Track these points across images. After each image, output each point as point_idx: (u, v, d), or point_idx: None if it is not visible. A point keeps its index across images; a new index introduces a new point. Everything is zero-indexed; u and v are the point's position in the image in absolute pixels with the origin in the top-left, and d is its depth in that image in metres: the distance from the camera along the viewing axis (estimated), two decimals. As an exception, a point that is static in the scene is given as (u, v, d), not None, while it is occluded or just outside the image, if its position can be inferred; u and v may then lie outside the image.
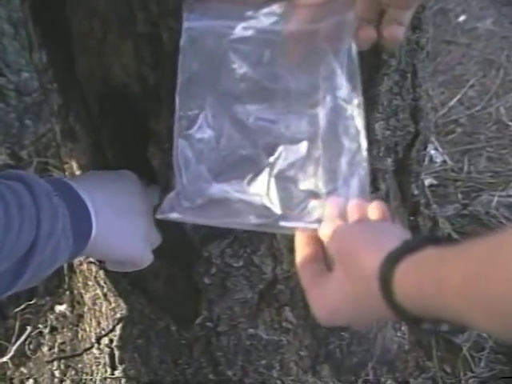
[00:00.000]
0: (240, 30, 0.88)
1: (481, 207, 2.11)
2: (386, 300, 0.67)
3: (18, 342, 1.73)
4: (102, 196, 0.94)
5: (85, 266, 1.37)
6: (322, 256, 0.85)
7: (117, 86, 1.01)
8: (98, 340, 1.46)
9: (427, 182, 2.25)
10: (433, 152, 2.40)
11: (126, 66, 0.98)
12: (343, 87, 0.88)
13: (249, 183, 0.90)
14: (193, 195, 0.91)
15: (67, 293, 1.75)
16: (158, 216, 0.93)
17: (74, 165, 1.18)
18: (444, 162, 2.38)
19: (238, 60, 0.88)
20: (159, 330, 1.30)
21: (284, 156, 0.89)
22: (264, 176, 0.89)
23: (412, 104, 1.18)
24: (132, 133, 1.04)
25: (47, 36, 1.06)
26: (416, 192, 1.36)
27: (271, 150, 0.90)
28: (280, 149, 0.89)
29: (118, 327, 1.37)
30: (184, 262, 1.15)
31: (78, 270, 1.46)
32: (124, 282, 1.29)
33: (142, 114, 1.01)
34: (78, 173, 1.18)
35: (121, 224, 0.96)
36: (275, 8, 0.87)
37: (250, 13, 0.87)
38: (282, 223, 0.89)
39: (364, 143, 0.90)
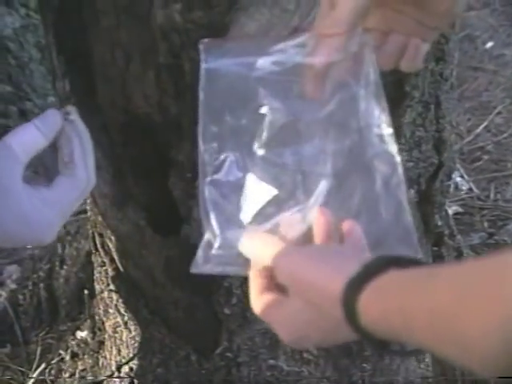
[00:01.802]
0: (262, 67, 0.86)
1: (507, 236, 2.10)
2: (351, 325, 0.65)
3: (40, 368, 1.73)
4: None
5: (106, 294, 1.38)
6: (274, 283, 0.81)
7: (138, 115, 1.01)
8: (119, 368, 1.46)
9: (453, 209, 2.23)
10: (458, 179, 2.39)
11: (147, 96, 0.99)
12: (370, 112, 0.87)
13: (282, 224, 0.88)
14: (228, 243, 0.87)
15: (88, 320, 1.76)
16: (193, 271, 0.89)
17: (96, 193, 1.19)
18: (470, 189, 2.37)
19: (264, 99, 0.87)
20: (179, 360, 1.30)
21: (316, 195, 0.87)
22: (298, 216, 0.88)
23: (435, 135, 1.18)
24: (153, 162, 1.05)
25: (70, 65, 1.07)
26: (440, 223, 1.35)
27: (302, 189, 0.88)
28: (310, 188, 0.88)
29: (139, 356, 1.37)
30: (204, 292, 1.15)
31: (98, 298, 1.46)
32: (144, 310, 1.29)
33: (164, 143, 1.01)
34: (99, 201, 1.18)
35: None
36: (293, 41, 0.86)
37: (268, 48, 0.86)
38: None
39: (399, 164, 0.87)
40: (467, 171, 2.43)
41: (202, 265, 0.88)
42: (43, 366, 1.74)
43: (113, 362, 1.48)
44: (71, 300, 1.86)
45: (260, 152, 0.88)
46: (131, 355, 1.39)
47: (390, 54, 0.85)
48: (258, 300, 0.81)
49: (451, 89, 1.17)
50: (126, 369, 1.43)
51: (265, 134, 0.88)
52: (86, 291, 1.74)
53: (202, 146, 0.88)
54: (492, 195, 2.35)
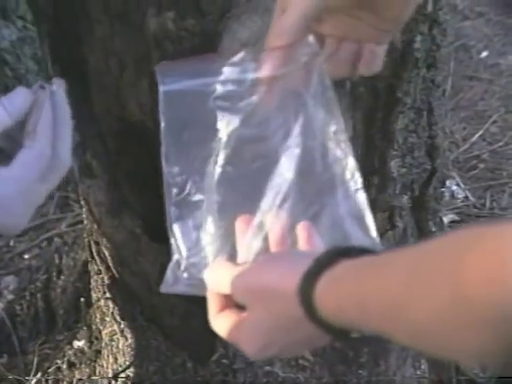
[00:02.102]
0: (218, 86, 0.87)
1: (503, 244, 2.09)
2: (311, 320, 0.65)
3: (36, 378, 1.73)
4: None
5: (102, 302, 1.38)
6: (232, 302, 0.80)
7: (133, 123, 1.02)
8: (116, 376, 1.46)
9: (449, 217, 2.24)
10: (454, 188, 2.39)
11: (141, 104, 0.99)
12: (323, 120, 0.87)
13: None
14: (194, 264, 0.88)
15: (85, 328, 1.76)
16: (163, 290, 0.89)
17: (92, 201, 1.19)
18: (466, 197, 2.37)
19: (221, 117, 0.87)
20: (175, 367, 1.30)
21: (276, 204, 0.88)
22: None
23: (428, 142, 1.18)
24: (148, 169, 1.05)
25: (65, 74, 1.08)
26: (434, 229, 1.36)
27: (262, 202, 0.87)
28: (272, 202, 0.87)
29: (135, 363, 1.37)
30: (200, 299, 1.15)
31: (95, 306, 1.46)
32: (141, 318, 1.30)
33: (158, 150, 1.01)
34: (94, 209, 1.19)
35: None
36: (246, 57, 0.86)
37: (223, 66, 0.87)
38: None
39: (356, 168, 0.88)
40: (463, 180, 2.43)
41: (171, 285, 0.88)
42: (40, 375, 1.74)
43: (109, 371, 1.48)
44: (68, 310, 1.85)
45: (219, 171, 0.88)
46: (128, 363, 1.39)
47: (346, 61, 0.85)
48: (217, 319, 0.80)
49: (443, 95, 1.18)
50: (122, 377, 1.43)
51: (224, 153, 0.88)
52: (82, 300, 1.74)
53: (165, 169, 0.89)
54: (488, 203, 2.35)
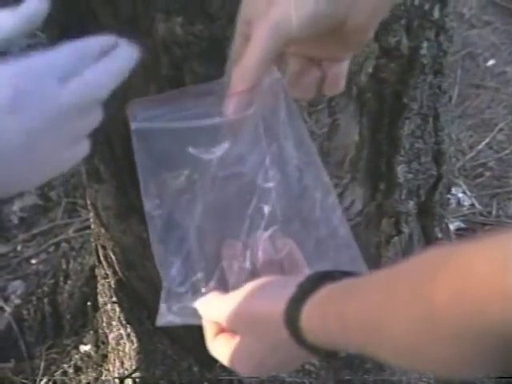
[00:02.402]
0: (190, 132, 0.87)
1: (509, 251, 2.09)
2: (299, 344, 0.67)
3: (43, 382, 1.73)
4: None
5: (109, 306, 1.38)
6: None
7: (141, 127, 1.02)
8: (122, 381, 1.46)
9: (455, 225, 2.24)
10: (461, 195, 2.39)
11: (150, 109, 1.00)
12: (290, 144, 0.88)
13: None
14: (186, 294, 0.89)
15: (92, 333, 1.76)
16: (159, 324, 0.90)
17: (99, 205, 1.20)
18: (472, 205, 2.37)
19: (196, 154, 0.87)
20: (182, 371, 1.30)
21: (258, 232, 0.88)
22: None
23: (434, 148, 1.18)
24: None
25: (74, 79, 1.08)
26: (440, 235, 1.36)
27: (248, 229, 0.89)
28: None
29: (142, 368, 1.38)
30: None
31: (102, 310, 1.47)
32: (147, 322, 1.30)
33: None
34: (102, 213, 1.19)
35: None
36: (213, 98, 0.83)
37: (193, 106, 0.86)
38: None
39: (331, 187, 0.90)
40: (469, 187, 2.43)
41: (165, 317, 0.89)
42: (47, 379, 1.74)
43: (116, 375, 1.49)
44: (75, 314, 1.86)
45: (201, 202, 0.89)
46: (134, 367, 1.39)
47: (310, 85, 0.83)
48: (213, 344, 0.81)
49: (449, 102, 1.18)
50: (129, 381, 1.43)
51: (204, 187, 0.88)
52: (89, 304, 1.74)
53: (146, 203, 0.89)
54: (494, 211, 2.35)
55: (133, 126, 0.88)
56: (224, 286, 0.86)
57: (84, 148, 0.72)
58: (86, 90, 0.71)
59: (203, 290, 0.87)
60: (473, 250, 0.47)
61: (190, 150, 0.88)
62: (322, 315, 0.64)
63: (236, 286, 0.83)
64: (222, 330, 0.81)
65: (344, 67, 0.83)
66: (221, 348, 0.80)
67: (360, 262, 0.89)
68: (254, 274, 0.86)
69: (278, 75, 0.83)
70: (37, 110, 0.65)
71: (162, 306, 0.89)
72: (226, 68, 0.80)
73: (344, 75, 0.83)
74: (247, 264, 0.87)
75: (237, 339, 0.78)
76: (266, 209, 0.88)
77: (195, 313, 0.85)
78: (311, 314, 0.65)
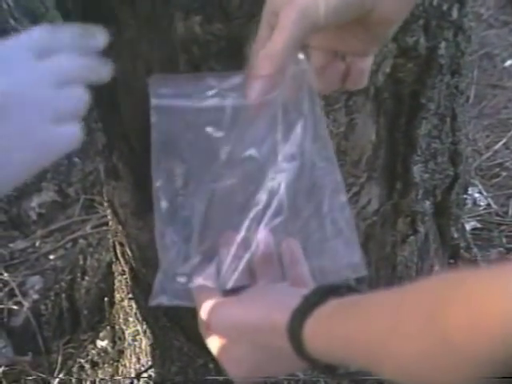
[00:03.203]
0: (210, 111, 0.87)
1: (525, 252, 2.09)
2: (300, 356, 0.66)
3: (60, 376, 1.74)
4: None
5: (126, 303, 1.39)
6: None
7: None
8: (138, 376, 1.46)
9: (471, 225, 2.22)
10: (477, 195, 2.38)
11: (168, 106, 1.00)
12: (308, 137, 0.87)
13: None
14: (182, 276, 0.88)
15: (108, 328, 1.76)
16: (151, 303, 0.89)
17: (117, 202, 1.20)
18: (488, 205, 2.36)
19: (212, 134, 0.87)
20: (197, 368, 1.30)
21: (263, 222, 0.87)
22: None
23: (451, 148, 1.18)
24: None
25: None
26: (456, 235, 1.35)
27: (250, 219, 0.88)
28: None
29: (157, 364, 1.38)
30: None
31: (118, 306, 1.47)
32: (164, 319, 1.30)
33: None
34: (119, 210, 1.19)
35: None
36: (237, 79, 0.85)
37: (215, 88, 0.87)
38: None
39: (342, 185, 0.89)
40: (486, 187, 2.42)
41: (158, 296, 0.88)
42: (64, 374, 1.75)
43: (132, 370, 1.49)
44: (92, 310, 1.86)
45: (209, 187, 0.88)
46: (150, 363, 1.39)
47: (334, 79, 0.83)
48: (207, 335, 0.81)
49: (467, 102, 1.18)
50: (145, 377, 1.44)
51: (215, 170, 0.88)
52: (106, 300, 1.74)
53: (155, 183, 0.89)
54: (510, 211, 2.33)
55: (153, 101, 0.88)
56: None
57: (73, 130, 0.71)
58: (60, 67, 0.71)
59: (200, 274, 0.86)
60: (486, 280, 0.46)
61: (208, 129, 0.87)
62: (326, 332, 0.63)
63: (229, 276, 0.83)
64: None
65: (368, 63, 0.83)
66: (215, 343, 0.79)
67: (361, 267, 0.88)
68: (250, 266, 0.85)
69: (305, 66, 0.83)
70: (12, 76, 0.66)
71: (156, 286, 0.88)
72: (251, 54, 0.79)
73: (367, 71, 0.84)
74: (244, 255, 0.85)
75: (233, 345, 0.77)
76: (273, 198, 0.87)
77: (189, 295, 0.85)
78: (315, 329, 0.64)
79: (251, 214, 0.87)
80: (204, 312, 0.80)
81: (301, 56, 0.82)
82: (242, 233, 0.86)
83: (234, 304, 0.78)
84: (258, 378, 0.80)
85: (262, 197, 0.87)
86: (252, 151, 0.88)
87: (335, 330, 0.62)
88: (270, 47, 0.74)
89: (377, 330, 0.56)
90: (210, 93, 0.87)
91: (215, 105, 0.87)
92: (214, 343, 0.79)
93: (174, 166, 0.89)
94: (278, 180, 0.88)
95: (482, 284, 0.46)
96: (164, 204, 0.89)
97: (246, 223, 0.87)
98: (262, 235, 0.86)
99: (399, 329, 0.53)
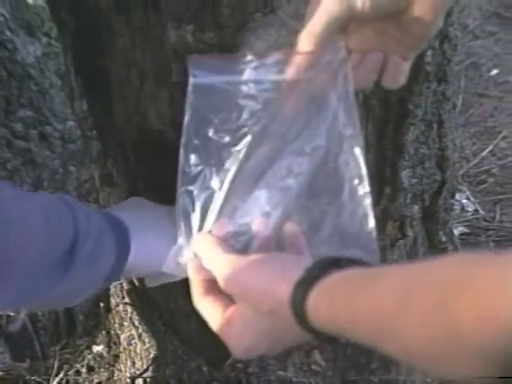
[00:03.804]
0: (245, 84, 0.88)
1: (512, 256, 2.08)
2: (303, 327, 0.66)
3: (56, 381, 1.74)
4: (132, 214, 0.96)
5: (121, 307, 1.38)
6: (215, 285, 0.80)
7: (152, 132, 1.02)
8: (133, 380, 1.45)
9: (459, 230, 2.23)
10: (464, 201, 2.39)
11: (161, 114, 1.00)
12: (340, 123, 0.87)
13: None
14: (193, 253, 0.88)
15: (104, 333, 1.76)
16: (164, 270, 0.90)
17: (112, 209, 1.20)
18: (476, 211, 2.37)
19: (246, 115, 0.88)
20: (191, 371, 1.30)
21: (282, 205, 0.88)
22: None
23: (438, 153, 1.18)
24: (166, 179, 1.06)
25: (87, 86, 1.09)
26: (444, 239, 1.35)
27: (270, 202, 0.88)
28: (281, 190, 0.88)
29: (152, 367, 1.37)
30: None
31: (114, 311, 1.46)
32: (158, 323, 1.29)
33: (177, 159, 1.02)
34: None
35: (156, 237, 0.95)
36: (275, 57, 0.86)
37: (253, 64, 0.87)
38: None
39: (365, 175, 0.88)
40: (473, 193, 2.43)
41: (172, 267, 0.89)
42: (60, 378, 1.74)
43: (127, 374, 1.48)
44: (88, 315, 1.86)
45: (235, 168, 0.88)
46: (145, 367, 1.39)
47: (370, 71, 0.85)
48: (202, 303, 0.81)
49: (453, 109, 1.18)
50: (139, 381, 1.43)
51: (245, 150, 0.88)
52: (101, 305, 1.74)
53: (182, 157, 0.89)
54: (497, 216, 2.34)
55: (191, 80, 0.88)
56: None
57: None
58: None
59: None
60: (499, 269, 0.46)
61: (245, 101, 0.88)
62: (330, 306, 0.62)
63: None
64: (211, 290, 0.80)
65: (406, 65, 0.85)
66: (211, 311, 0.79)
67: (375, 254, 0.87)
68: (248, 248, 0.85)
69: (344, 55, 0.84)
70: None
71: (171, 256, 0.89)
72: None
73: (405, 71, 0.85)
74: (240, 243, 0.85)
75: (232, 308, 0.77)
76: (296, 181, 0.87)
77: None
78: (318, 303, 0.64)
79: (271, 198, 0.87)
80: (213, 267, 0.79)
81: (341, 44, 0.84)
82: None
83: (243, 261, 0.77)
84: (257, 354, 0.79)
85: (287, 180, 0.87)
86: (284, 129, 0.88)
87: (339, 306, 0.61)
88: (310, 27, 0.78)
89: (382, 310, 0.55)
90: (249, 67, 0.88)
91: (254, 78, 0.88)
92: (211, 311, 0.79)
93: (203, 143, 0.89)
94: (306, 162, 0.87)
95: (496, 274, 0.46)
96: (186, 178, 0.89)
97: (265, 206, 0.87)
98: (259, 222, 0.86)
99: (406, 310, 0.52)
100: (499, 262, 0.46)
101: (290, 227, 0.85)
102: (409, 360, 0.55)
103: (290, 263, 0.74)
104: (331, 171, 0.88)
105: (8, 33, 2.64)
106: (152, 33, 0.93)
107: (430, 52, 1.03)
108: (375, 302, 0.57)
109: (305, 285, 0.66)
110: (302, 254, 0.83)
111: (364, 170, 0.88)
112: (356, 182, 0.88)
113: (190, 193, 0.89)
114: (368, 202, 0.88)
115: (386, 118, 1.05)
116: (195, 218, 0.88)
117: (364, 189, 0.88)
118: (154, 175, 1.08)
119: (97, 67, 1.03)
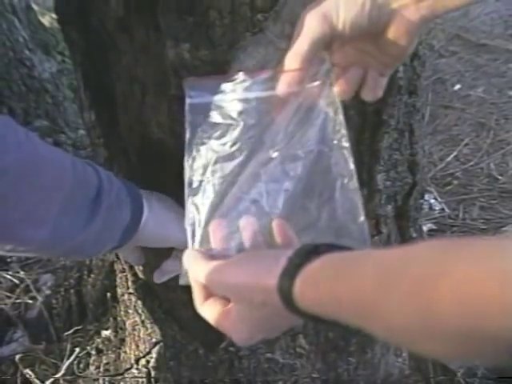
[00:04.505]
0: (239, 100, 0.86)
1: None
2: (292, 313, 0.63)
3: (69, 362, 1.72)
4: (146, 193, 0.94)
5: (126, 297, 1.37)
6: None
7: (154, 140, 1.01)
8: (137, 361, 1.44)
9: (427, 227, 2.23)
10: (432, 201, 2.38)
11: (161, 124, 0.98)
12: (329, 127, 0.86)
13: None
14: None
15: (111, 319, 1.75)
16: (181, 283, 0.87)
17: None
18: (442, 209, 2.37)
19: (240, 127, 0.86)
20: (189, 353, 1.29)
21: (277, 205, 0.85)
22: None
23: (410, 159, 1.17)
24: (167, 181, 1.04)
25: (95, 98, 1.07)
26: (414, 235, 1.34)
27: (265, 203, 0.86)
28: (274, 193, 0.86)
29: (154, 350, 1.36)
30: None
31: (120, 300, 1.45)
32: (159, 311, 1.28)
33: (175, 163, 1.00)
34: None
35: (168, 215, 0.94)
36: (265, 75, 0.85)
37: (244, 82, 0.86)
38: None
39: (353, 172, 0.86)
40: (440, 194, 2.43)
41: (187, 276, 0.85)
42: (72, 359, 1.73)
43: (132, 356, 1.47)
44: (97, 303, 1.85)
45: (232, 176, 0.86)
46: (148, 350, 1.37)
47: (350, 84, 0.84)
48: (204, 308, 0.78)
49: (422, 119, 1.17)
50: (143, 362, 1.42)
51: (239, 161, 0.86)
52: (109, 294, 1.73)
53: (186, 170, 0.87)
54: (461, 215, 2.34)
55: (187, 101, 0.87)
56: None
57: None
58: None
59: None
60: (472, 258, 0.44)
61: (240, 117, 0.86)
62: (315, 289, 0.60)
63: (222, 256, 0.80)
64: (210, 294, 0.78)
65: (383, 80, 0.85)
66: (212, 312, 0.76)
67: (367, 241, 0.85)
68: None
69: (329, 66, 0.84)
70: None
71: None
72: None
73: (383, 86, 0.85)
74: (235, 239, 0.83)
75: (229, 306, 0.74)
76: (290, 182, 0.85)
77: None
78: (304, 288, 0.61)
79: (266, 197, 0.85)
80: (200, 276, 0.76)
81: (326, 56, 0.83)
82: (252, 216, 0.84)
83: (224, 266, 0.75)
84: (257, 340, 0.77)
85: (283, 182, 0.85)
86: (276, 137, 0.86)
87: (324, 289, 0.59)
88: (296, 46, 0.78)
89: (364, 291, 0.53)
90: (241, 86, 0.86)
91: (246, 96, 0.86)
92: (212, 313, 0.76)
93: (204, 156, 0.87)
94: (300, 165, 0.86)
95: (468, 265, 0.44)
96: (192, 190, 0.86)
97: (264, 207, 0.84)
98: (245, 221, 0.84)
99: (386, 293, 0.50)
100: (468, 252, 0.45)
101: (278, 222, 0.83)
102: (391, 339, 0.53)
103: (271, 257, 0.71)
104: (324, 171, 0.86)
105: (27, 52, 2.63)
106: (153, 51, 0.92)
107: (402, 68, 1.02)
108: (357, 284, 0.54)
109: (289, 274, 0.63)
110: (292, 246, 0.80)
111: (353, 168, 0.86)
112: (346, 179, 0.86)
113: (196, 205, 0.86)
114: (358, 196, 0.86)
115: (363, 127, 1.04)
116: (199, 230, 0.86)
117: (354, 185, 0.86)
118: (156, 178, 1.06)
119: (103, 82, 1.02)
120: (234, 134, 0.86)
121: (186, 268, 0.81)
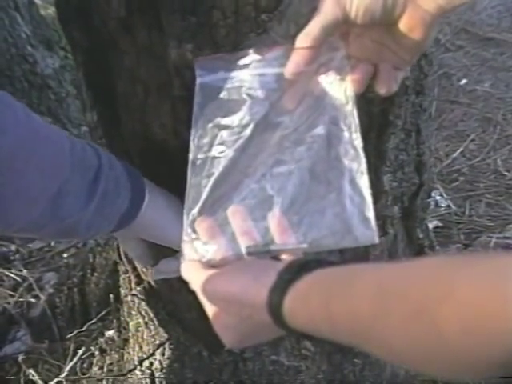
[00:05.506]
0: (248, 79, 0.86)
1: (480, 247, 2.08)
2: (283, 329, 0.62)
3: (72, 363, 1.72)
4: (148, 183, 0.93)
5: (129, 298, 1.36)
6: None
7: (156, 141, 1.00)
8: (141, 363, 1.44)
9: (433, 224, 2.22)
10: (438, 198, 2.37)
11: (164, 124, 0.97)
12: (341, 115, 0.84)
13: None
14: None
15: (115, 320, 1.74)
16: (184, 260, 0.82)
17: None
18: (448, 206, 2.35)
19: (249, 104, 0.85)
20: (192, 355, 1.28)
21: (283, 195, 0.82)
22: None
23: (416, 159, 1.16)
24: (169, 181, 1.03)
25: (97, 99, 1.06)
26: (421, 235, 1.33)
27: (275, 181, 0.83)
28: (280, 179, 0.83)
29: (158, 352, 1.35)
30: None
31: (123, 301, 1.45)
32: (163, 312, 1.28)
33: (178, 165, 0.99)
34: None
35: (169, 208, 0.93)
36: (276, 52, 0.85)
37: (255, 59, 0.85)
38: (273, 247, 0.79)
39: (363, 163, 0.83)
40: (446, 190, 2.41)
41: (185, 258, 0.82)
42: (76, 359, 1.73)
43: (135, 357, 1.46)
44: (100, 303, 1.85)
45: (237, 154, 0.84)
46: (151, 351, 1.37)
47: (363, 75, 0.84)
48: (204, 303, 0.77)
49: (430, 118, 1.16)
50: (146, 363, 1.42)
51: (246, 139, 0.85)
52: (112, 295, 1.72)
53: (191, 148, 0.86)
54: (467, 211, 2.33)
55: (198, 80, 0.87)
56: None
57: None
58: None
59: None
60: (475, 278, 0.43)
61: (249, 93, 0.86)
62: (306, 308, 0.58)
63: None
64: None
65: (399, 74, 0.84)
66: (210, 313, 0.75)
67: (374, 235, 0.79)
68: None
69: (343, 53, 0.83)
70: None
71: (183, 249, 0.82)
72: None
73: (398, 80, 0.84)
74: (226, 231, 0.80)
75: (223, 315, 0.73)
76: (295, 165, 0.83)
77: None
78: (294, 305, 0.60)
79: (272, 182, 0.82)
80: (194, 284, 0.76)
81: (340, 43, 0.82)
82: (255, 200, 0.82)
83: (216, 278, 0.73)
84: (246, 346, 0.77)
85: (288, 166, 0.83)
86: (284, 119, 0.85)
87: (316, 308, 0.57)
88: (308, 28, 0.78)
89: (360, 313, 0.51)
90: (251, 63, 0.86)
91: (255, 72, 0.86)
92: (209, 311, 0.75)
93: (211, 136, 0.86)
94: (307, 150, 0.84)
95: (471, 285, 0.43)
96: (199, 169, 0.84)
97: (268, 191, 0.82)
98: (236, 211, 0.81)
99: (386, 315, 0.48)
100: (470, 272, 0.43)
101: (275, 214, 0.80)
102: (390, 360, 0.52)
103: (261, 270, 0.69)
104: (331, 158, 0.84)
105: (29, 48, 2.62)
106: (155, 51, 0.91)
107: (408, 67, 1.01)
108: (352, 304, 0.53)
109: (279, 290, 0.62)
110: (286, 235, 0.79)
111: (363, 159, 0.83)
112: (355, 169, 0.83)
113: (198, 183, 0.84)
114: (366, 187, 0.83)
115: (369, 127, 1.03)
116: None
117: (363, 176, 0.83)
118: (158, 179, 1.05)
119: (106, 82, 1.01)
120: (242, 110, 0.85)
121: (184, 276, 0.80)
